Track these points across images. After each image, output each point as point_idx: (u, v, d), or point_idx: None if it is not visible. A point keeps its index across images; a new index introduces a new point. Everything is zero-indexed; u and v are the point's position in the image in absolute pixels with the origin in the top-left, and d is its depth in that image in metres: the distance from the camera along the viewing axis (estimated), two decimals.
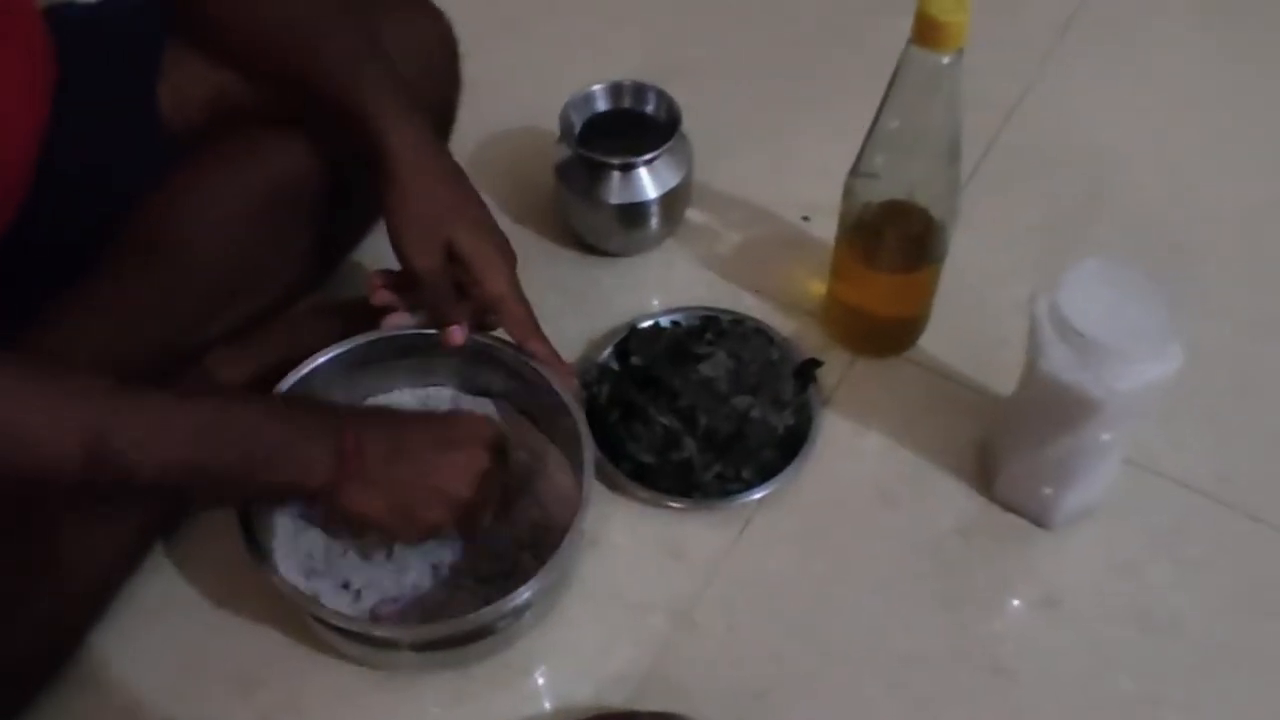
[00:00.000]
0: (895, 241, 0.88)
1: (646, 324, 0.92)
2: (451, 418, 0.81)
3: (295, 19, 0.80)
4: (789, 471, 0.85)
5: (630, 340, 0.91)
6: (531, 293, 0.82)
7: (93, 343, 0.79)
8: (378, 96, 0.79)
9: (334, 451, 0.70)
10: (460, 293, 0.81)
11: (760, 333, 0.91)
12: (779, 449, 0.86)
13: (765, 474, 0.85)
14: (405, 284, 0.82)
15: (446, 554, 0.80)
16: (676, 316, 0.93)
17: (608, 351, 0.91)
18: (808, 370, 0.89)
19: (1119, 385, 0.73)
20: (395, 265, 0.80)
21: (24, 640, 0.73)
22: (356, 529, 0.78)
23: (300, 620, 0.79)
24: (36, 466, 0.63)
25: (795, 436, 0.87)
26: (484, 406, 0.86)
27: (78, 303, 0.80)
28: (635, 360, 0.89)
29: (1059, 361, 0.74)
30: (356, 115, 0.78)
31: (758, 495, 0.84)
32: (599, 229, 0.99)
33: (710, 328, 0.91)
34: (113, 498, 0.72)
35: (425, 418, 0.82)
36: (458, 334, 0.81)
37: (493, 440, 0.76)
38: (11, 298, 0.78)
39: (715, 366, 0.86)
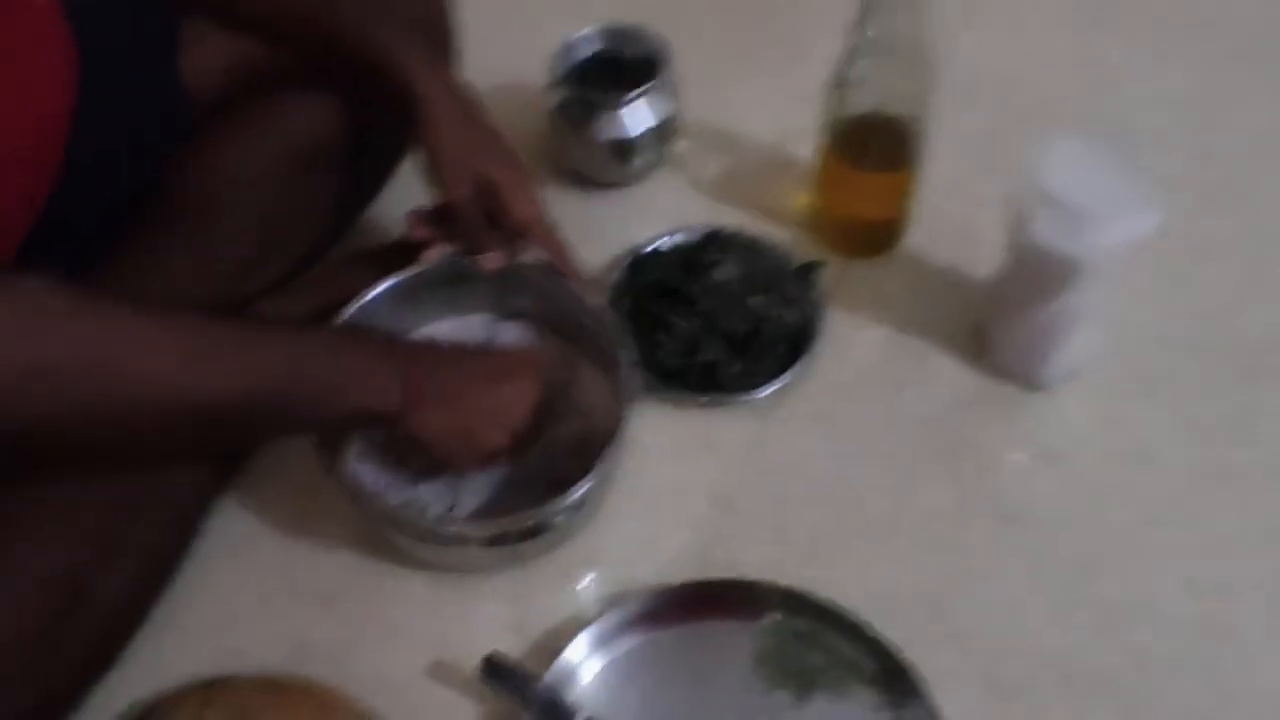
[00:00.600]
0: (875, 145, 0.96)
1: (652, 246, 0.99)
2: (503, 350, 0.87)
3: None
4: (804, 362, 0.93)
5: (640, 260, 0.98)
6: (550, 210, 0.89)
7: (149, 298, 0.83)
8: (400, 47, 0.85)
9: (403, 377, 0.76)
10: (491, 222, 0.87)
11: (760, 242, 0.99)
12: (791, 344, 0.93)
13: (782, 367, 0.93)
14: (439, 219, 0.88)
15: (500, 471, 0.86)
16: (679, 237, 1.00)
17: (620, 272, 0.98)
18: (808, 271, 0.97)
19: (1100, 246, 0.82)
20: (398, 221, 0.88)
21: (123, 575, 0.78)
22: (417, 457, 0.84)
23: (371, 539, 0.85)
24: (135, 397, 0.67)
25: (805, 332, 0.94)
26: (518, 330, 0.92)
27: (117, 269, 0.85)
28: (648, 277, 0.96)
29: (1043, 231, 0.83)
30: (384, 67, 0.84)
31: (776, 387, 0.92)
32: (595, 165, 1.06)
33: (714, 241, 0.98)
34: (203, 432, 0.76)
35: (477, 350, 0.88)
36: (492, 259, 0.87)
37: (542, 369, 0.83)
38: (56, 261, 0.82)
39: (727, 272, 0.94)
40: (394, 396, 0.76)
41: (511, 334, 0.92)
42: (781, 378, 0.92)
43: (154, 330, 0.69)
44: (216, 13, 0.90)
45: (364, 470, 0.85)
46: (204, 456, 0.83)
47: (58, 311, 0.65)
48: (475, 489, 0.85)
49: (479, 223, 0.86)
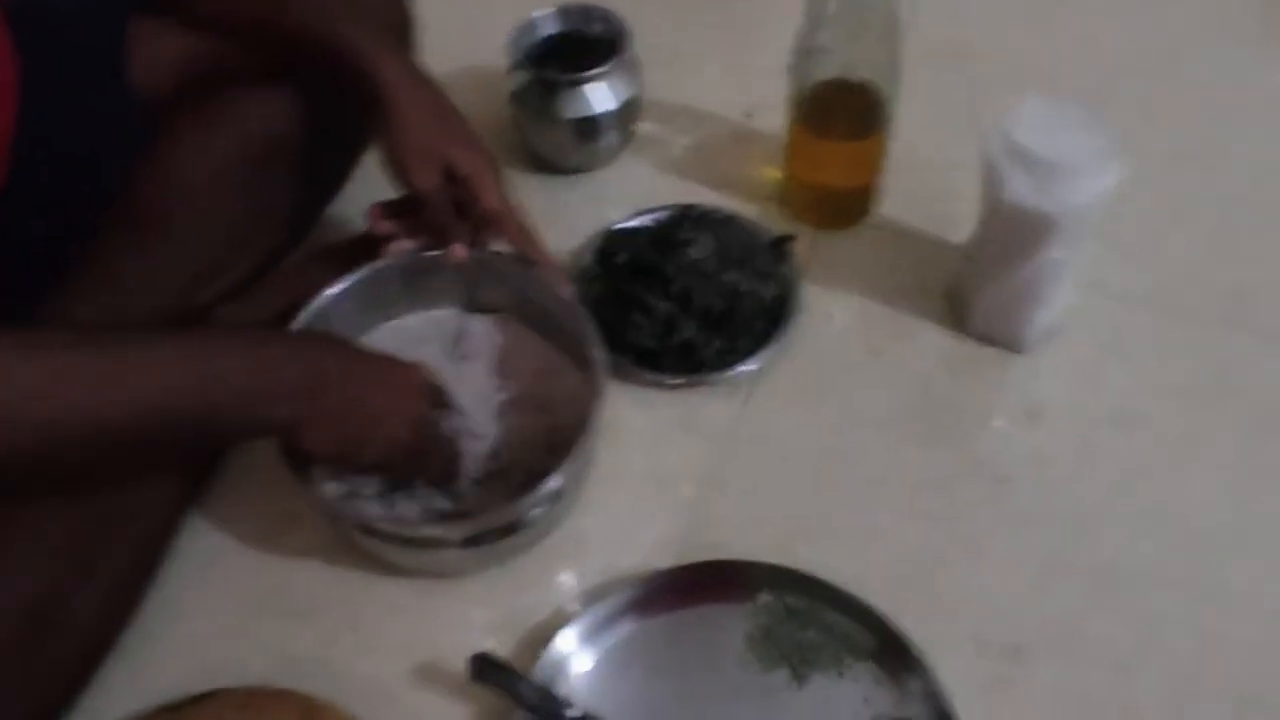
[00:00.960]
0: (842, 113, 0.94)
1: (623, 225, 0.98)
2: (393, 360, 0.81)
3: None
4: (782, 337, 0.91)
5: (611, 241, 0.96)
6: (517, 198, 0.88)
7: (93, 318, 0.81)
8: (360, 36, 0.83)
9: (297, 392, 0.73)
10: (458, 211, 0.85)
11: (731, 218, 0.97)
12: (768, 319, 0.92)
13: (760, 343, 0.91)
14: (403, 211, 0.86)
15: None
16: (649, 216, 0.98)
17: (590, 256, 0.96)
18: (781, 243, 0.95)
19: (1073, 200, 0.80)
20: (360, 216, 0.86)
21: (94, 597, 0.76)
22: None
23: (346, 547, 0.83)
24: (48, 428, 0.65)
25: (781, 305, 0.93)
26: (487, 323, 0.90)
27: (72, 282, 0.82)
28: (620, 258, 0.94)
29: (1018, 189, 0.81)
30: (344, 55, 0.82)
31: (756, 364, 0.90)
32: (559, 147, 1.04)
33: (686, 219, 0.96)
34: (123, 452, 0.73)
35: (373, 355, 0.82)
36: (460, 250, 0.85)
37: (425, 387, 0.80)
38: (4, 275, 0.80)
39: (701, 249, 0.92)
40: (286, 412, 0.73)
41: (479, 327, 0.90)
42: (760, 354, 0.91)
43: (16, 357, 0.66)
44: (171, 9, 0.87)
45: (330, 478, 0.82)
46: (149, 468, 0.80)
47: None
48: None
49: (446, 212, 0.84)
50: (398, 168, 0.83)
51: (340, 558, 0.84)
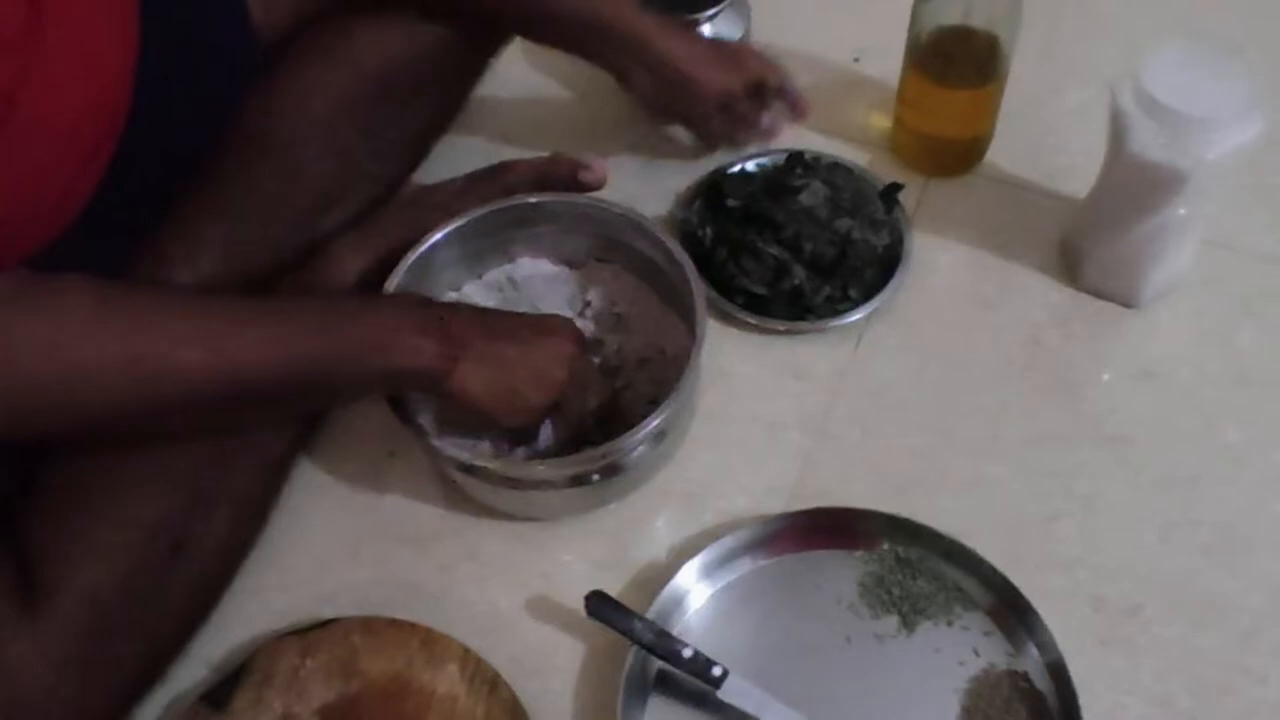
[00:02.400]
0: (960, 60, 0.92)
1: (734, 169, 0.97)
2: (535, 314, 0.85)
3: None
4: (892, 285, 0.91)
5: (722, 184, 0.95)
6: (609, 157, 0.91)
7: (215, 245, 0.83)
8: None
9: (436, 335, 0.74)
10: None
11: (841, 164, 0.96)
12: (879, 267, 0.91)
13: (870, 291, 0.90)
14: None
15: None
16: (760, 160, 0.98)
17: (699, 199, 0.96)
18: (892, 192, 0.94)
19: (1207, 155, 0.78)
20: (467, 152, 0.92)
21: (219, 524, 0.78)
22: (465, 417, 0.81)
23: (454, 492, 0.84)
24: (170, 391, 0.67)
25: (891, 254, 0.92)
26: (601, 272, 0.91)
27: (195, 207, 0.83)
28: (731, 201, 0.93)
29: (1147, 140, 0.79)
30: (593, 25, 0.88)
31: (866, 311, 0.90)
32: None
33: (796, 164, 0.95)
34: (249, 410, 0.76)
35: (510, 313, 0.85)
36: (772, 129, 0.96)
37: (576, 330, 0.81)
38: (127, 209, 0.81)
39: (813, 195, 0.91)
40: (428, 354, 0.74)
41: (570, 278, 0.91)
42: (870, 302, 0.90)
43: (180, 322, 0.68)
44: None
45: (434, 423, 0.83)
46: (267, 425, 0.82)
47: (85, 316, 0.64)
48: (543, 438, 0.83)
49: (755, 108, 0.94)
50: (704, 88, 0.91)
51: (453, 497, 0.85)
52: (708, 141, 0.99)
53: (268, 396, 0.73)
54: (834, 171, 0.95)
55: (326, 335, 0.73)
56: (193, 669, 0.79)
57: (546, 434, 0.82)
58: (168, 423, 0.72)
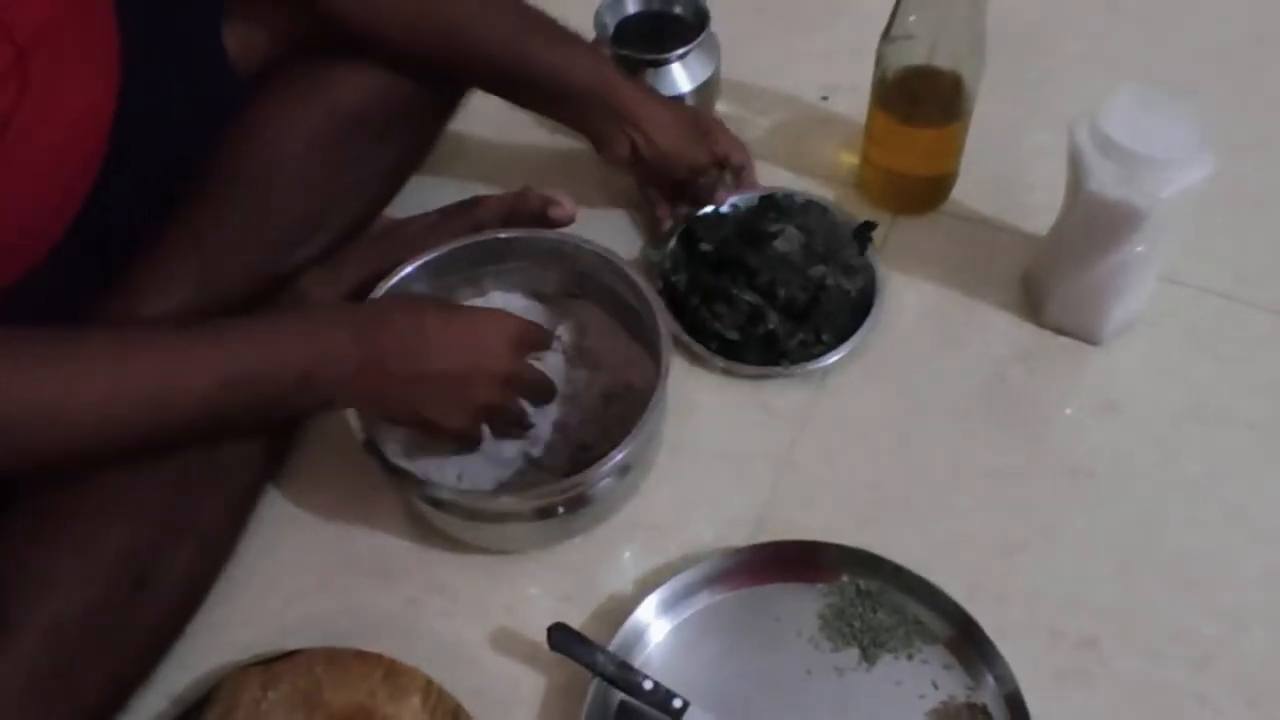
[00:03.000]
0: (926, 99, 0.94)
1: (706, 211, 0.97)
2: (476, 312, 0.84)
3: (456, 23, 0.88)
4: (865, 328, 0.91)
5: (695, 228, 0.96)
6: (581, 195, 0.92)
7: (188, 278, 0.83)
8: (580, 62, 0.90)
9: (357, 361, 0.73)
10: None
11: (814, 204, 0.97)
12: (852, 312, 0.92)
13: (842, 334, 0.91)
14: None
15: (536, 444, 0.85)
16: (734, 202, 0.98)
17: (673, 241, 0.96)
18: (865, 231, 0.95)
19: (1162, 193, 0.80)
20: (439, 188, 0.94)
21: (185, 554, 0.78)
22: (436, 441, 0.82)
23: (424, 519, 0.85)
24: (93, 437, 0.68)
25: (864, 297, 0.93)
26: (573, 305, 0.91)
27: (168, 241, 0.84)
28: (705, 246, 0.94)
29: (1105, 179, 0.81)
30: (572, 86, 0.89)
31: (839, 355, 0.90)
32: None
33: (770, 207, 0.96)
34: (177, 442, 0.74)
35: (452, 307, 0.84)
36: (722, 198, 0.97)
37: (516, 336, 0.80)
38: (100, 246, 0.82)
39: (788, 241, 0.92)
40: (347, 380, 0.74)
41: (541, 313, 0.91)
42: (843, 346, 0.90)
43: (101, 373, 0.67)
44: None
45: (402, 451, 0.83)
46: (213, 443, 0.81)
47: (4, 368, 0.64)
48: (506, 461, 0.84)
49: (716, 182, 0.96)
50: (668, 157, 0.92)
51: (420, 528, 0.86)
52: (667, 204, 0.99)
53: (185, 421, 0.71)
54: (808, 212, 0.96)
55: (248, 375, 0.71)
56: (155, 701, 0.79)
57: (544, 425, 0.84)
58: (92, 461, 0.72)
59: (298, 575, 0.85)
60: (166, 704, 0.79)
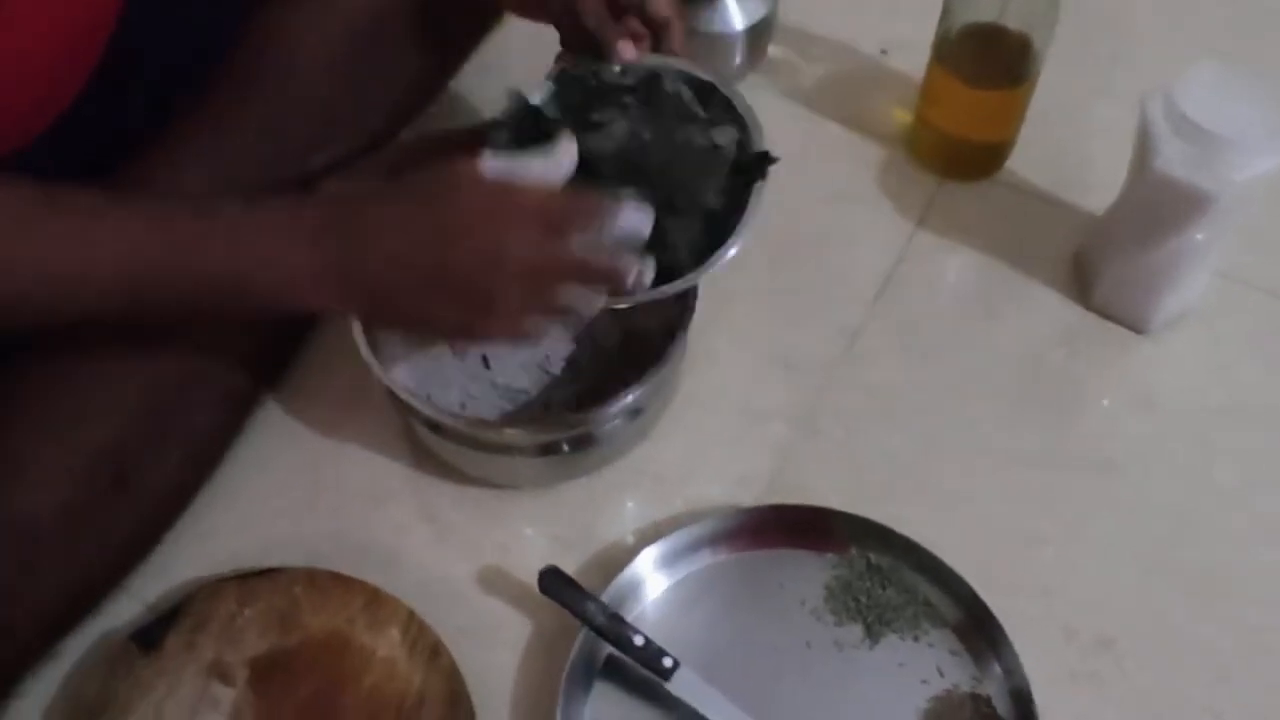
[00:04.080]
0: (991, 60, 0.89)
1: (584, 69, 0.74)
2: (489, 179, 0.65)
3: None
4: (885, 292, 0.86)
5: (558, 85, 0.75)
6: None
7: (200, 170, 0.79)
8: None
9: (317, 259, 0.63)
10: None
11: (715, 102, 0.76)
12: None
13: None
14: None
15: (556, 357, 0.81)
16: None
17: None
18: (761, 165, 0.73)
19: (1234, 178, 0.75)
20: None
21: (169, 458, 0.75)
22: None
23: (420, 449, 0.81)
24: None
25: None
26: None
27: (182, 131, 0.80)
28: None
29: (1173, 158, 0.76)
30: None
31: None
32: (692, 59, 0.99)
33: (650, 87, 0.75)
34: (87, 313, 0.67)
35: (413, 181, 0.68)
36: (628, 49, 0.72)
37: (540, 210, 0.64)
38: (106, 126, 0.78)
39: (609, 138, 0.72)
40: (305, 277, 0.64)
41: None
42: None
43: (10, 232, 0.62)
44: None
45: (407, 371, 0.79)
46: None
47: None
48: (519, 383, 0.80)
49: (602, 16, 0.72)
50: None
51: (417, 451, 0.82)
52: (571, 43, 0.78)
53: (100, 299, 0.64)
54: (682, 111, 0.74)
55: (181, 266, 0.64)
56: (128, 605, 0.77)
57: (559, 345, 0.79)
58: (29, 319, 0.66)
59: (286, 491, 0.82)
60: (140, 609, 0.77)
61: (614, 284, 0.64)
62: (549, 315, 0.65)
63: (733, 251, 0.70)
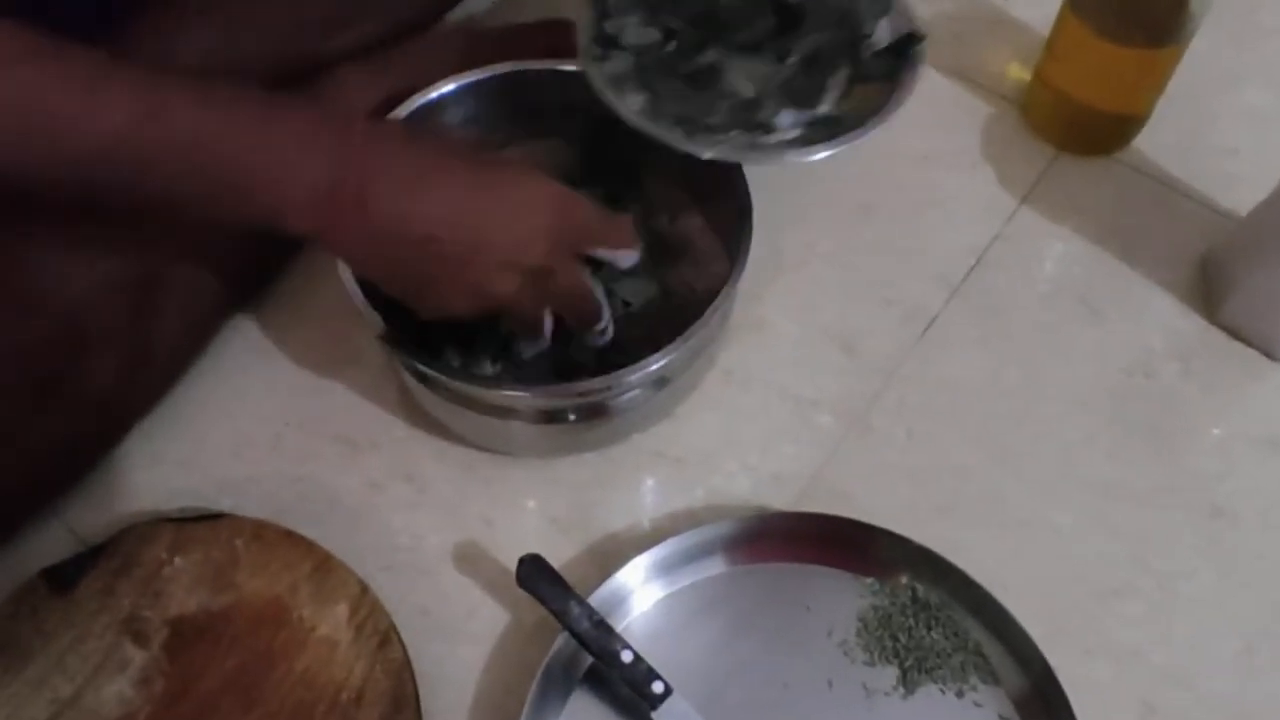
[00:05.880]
0: (1136, 11, 0.74)
1: None
2: (518, 164, 0.61)
3: None
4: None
5: None
6: None
7: (204, 35, 0.69)
8: None
9: (327, 182, 0.53)
10: None
11: None
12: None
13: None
14: None
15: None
16: None
17: None
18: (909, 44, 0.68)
19: None
20: None
21: (108, 365, 0.64)
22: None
23: (409, 398, 0.71)
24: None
25: None
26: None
27: (178, 10, 0.69)
28: None
29: None
30: None
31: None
32: None
33: None
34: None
35: (483, 154, 0.63)
36: None
37: (567, 209, 0.59)
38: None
39: None
40: (304, 208, 0.54)
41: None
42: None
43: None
44: None
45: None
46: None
47: None
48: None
49: None
50: None
51: (404, 397, 0.71)
52: None
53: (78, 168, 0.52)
54: None
55: (181, 148, 0.52)
56: (58, 533, 0.67)
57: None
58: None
59: (254, 422, 0.71)
60: (70, 538, 0.67)
61: (588, 321, 0.63)
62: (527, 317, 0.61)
63: (873, 132, 0.63)
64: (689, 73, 0.67)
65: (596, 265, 0.63)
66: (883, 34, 0.68)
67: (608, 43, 0.67)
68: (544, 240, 0.58)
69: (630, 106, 0.63)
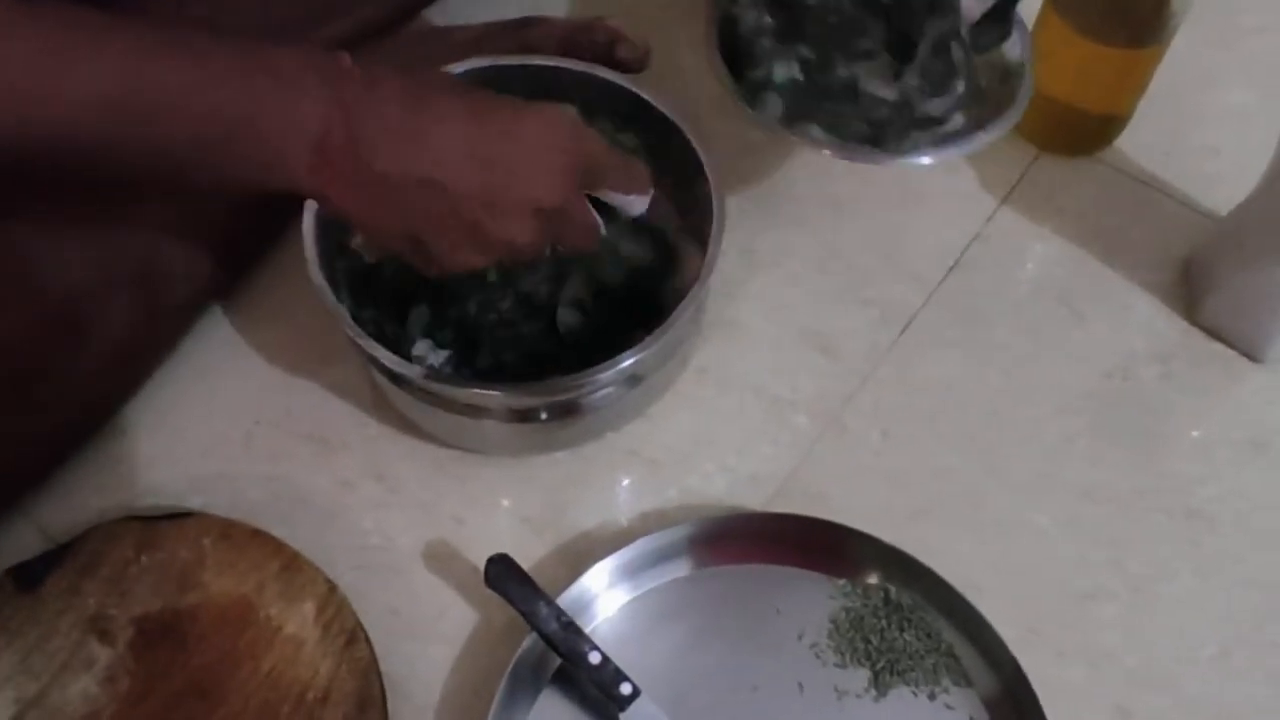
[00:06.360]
0: (1118, 9, 0.74)
1: None
2: (524, 101, 0.55)
3: None
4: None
5: None
6: (667, 41, 0.74)
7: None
8: None
9: (316, 127, 0.49)
10: None
11: None
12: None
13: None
14: None
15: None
16: None
17: None
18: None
19: None
20: None
21: (86, 364, 0.64)
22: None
23: (381, 397, 0.70)
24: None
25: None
26: None
27: None
28: None
29: None
30: None
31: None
32: None
33: None
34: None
35: (486, 93, 0.55)
36: None
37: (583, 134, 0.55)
38: None
39: None
40: (293, 159, 0.49)
41: None
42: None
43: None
44: None
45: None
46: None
47: None
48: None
49: None
50: None
51: (376, 396, 0.71)
52: None
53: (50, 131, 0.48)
54: None
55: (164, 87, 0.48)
56: (24, 530, 0.67)
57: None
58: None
59: (224, 420, 0.70)
60: (39, 536, 0.66)
61: (586, 245, 0.58)
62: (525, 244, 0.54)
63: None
64: (834, 93, 0.68)
65: (599, 208, 0.59)
66: (970, 4, 0.69)
67: (754, 88, 0.67)
68: (562, 179, 0.53)
69: (818, 138, 0.65)
